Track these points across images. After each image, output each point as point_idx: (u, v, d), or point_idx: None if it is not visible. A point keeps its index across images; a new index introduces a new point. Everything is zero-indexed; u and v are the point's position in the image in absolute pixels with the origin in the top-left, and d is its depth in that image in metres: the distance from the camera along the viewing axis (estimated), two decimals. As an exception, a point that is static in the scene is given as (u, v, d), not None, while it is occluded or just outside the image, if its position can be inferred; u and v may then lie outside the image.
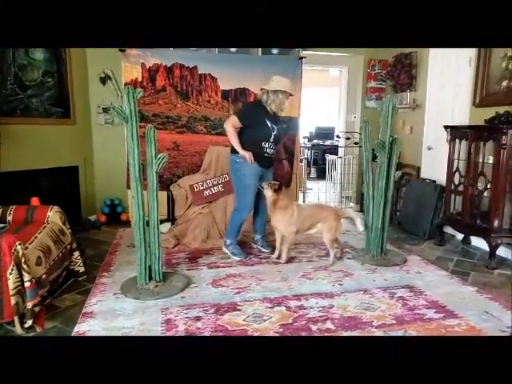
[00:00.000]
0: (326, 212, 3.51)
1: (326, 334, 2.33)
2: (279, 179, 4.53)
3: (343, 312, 2.60)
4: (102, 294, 2.85)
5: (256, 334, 2.32)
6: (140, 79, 4.43)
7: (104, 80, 4.72)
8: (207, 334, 2.32)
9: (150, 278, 2.91)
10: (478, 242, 3.98)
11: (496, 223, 3.43)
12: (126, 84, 4.23)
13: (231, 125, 3.39)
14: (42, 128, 4.19)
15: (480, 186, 3.60)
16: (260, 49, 4.73)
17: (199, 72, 4.55)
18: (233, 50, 4.70)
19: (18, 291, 2.24)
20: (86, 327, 2.39)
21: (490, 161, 3.48)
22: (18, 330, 2.27)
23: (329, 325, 2.44)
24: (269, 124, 3.41)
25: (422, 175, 4.88)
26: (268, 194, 3.43)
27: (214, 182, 4.24)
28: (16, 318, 2.24)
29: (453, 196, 3.99)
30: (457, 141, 3.87)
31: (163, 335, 2.30)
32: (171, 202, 4.43)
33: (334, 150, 7.38)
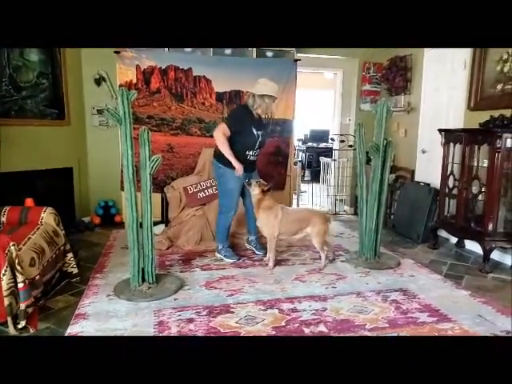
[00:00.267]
0: (314, 216, 3.50)
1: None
2: (273, 182, 4.53)
3: (336, 315, 2.60)
4: (95, 296, 2.84)
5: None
6: (135, 81, 4.43)
7: (99, 81, 4.71)
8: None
9: (143, 280, 2.90)
10: (472, 246, 3.99)
11: (490, 227, 3.44)
12: (120, 86, 4.23)
13: (222, 133, 3.32)
14: (36, 129, 4.18)
15: (474, 189, 3.62)
16: (254, 51, 4.74)
17: (194, 74, 4.56)
18: (227, 52, 4.71)
19: (12, 292, 2.24)
20: (79, 328, 2.38)
21: (485, 164, 3.50)
22: (11, 330, 2.26)
23: (322, 328, 2.44)
24: (254, 132, 3.39)
25: (417, 178, 4.90)
26: (254, 191, 3.39)
27: (208, 184, 4.24)
28: (9, 319, 2.24)
29: (447, 199, 4.00)
30: (451, 144, 3.88)
31: (155, 335, 2.29)
32: (165, 203, 4.42)
33: (328, 152, 7.40)
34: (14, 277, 2.25)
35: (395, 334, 2.37)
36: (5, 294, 2.20)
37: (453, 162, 3.89)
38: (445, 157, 3.96)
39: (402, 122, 5.26)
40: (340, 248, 4.03)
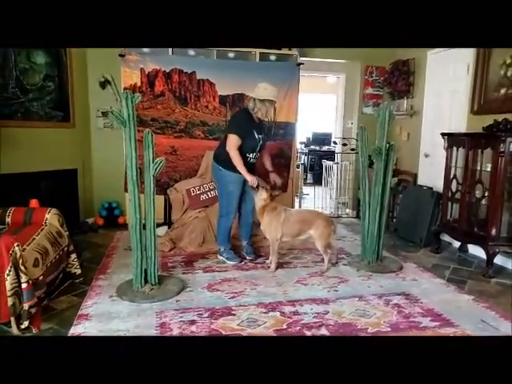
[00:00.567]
0: (318, 218, 3.49)
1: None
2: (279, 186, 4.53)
3: (338, 318, 2.60)
4: (98, 297, 2.86)
5: (250, 339, 2.32)
6: (139, 84, 4.46)
7: (103, 84, 4.75)
8: (201, 338, 2.33)
9: (146, 281, 2.92)
10: (476, 250, 3.98)
11: (493, 231, 3.43)
12: (125, 89, 4.25)
13: (235, 148, 3.32)
14: (41, 131, 4.21)
15: (477, 193, 3.61)
16: (258, 55, 4.77)
17: (198, 77, 4.59)
18: (231, 55, 4.74)
19: (15, 292, 2.25)
20: (82, 329, 2.39)
21: (488, 168, 3.49)
22: (15, 330, 2.27)
23: (323, 331, 2.44)
24: (256, 135, 3.42)
25: (419, 182, 4.90)
26: (262, 196, 3.38)
27: (211, 187, 4.25)
28: (12, 319, 2.25)
29: (450, 203, 4.00)
30: (454, 148, 3.88)
31: (157, 335, 2.30)
32: (168, 205, 4.44)
33: (330, 155, 7.40)
34: (18, 277, 2.26)
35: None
36: (8, 294, 2.21)
37: (456, 166, 3.89)
38: (448, 160, 3.96)
39: (404, 125, 5.26)
40: (342, 251, 4.03)
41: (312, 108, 9.23)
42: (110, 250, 3.94)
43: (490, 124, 3.64)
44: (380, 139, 3.46)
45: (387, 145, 3.45)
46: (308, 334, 2.40)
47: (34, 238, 2.67)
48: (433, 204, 4.30)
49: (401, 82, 5.10)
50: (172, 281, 3.11)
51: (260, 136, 3.46)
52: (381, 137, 3.46)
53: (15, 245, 2.27)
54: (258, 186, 3.42)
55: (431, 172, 4.69)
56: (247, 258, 3.73)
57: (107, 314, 2.59)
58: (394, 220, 5.01)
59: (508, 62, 3.67)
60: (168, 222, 4.45)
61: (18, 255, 2.27)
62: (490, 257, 3.44)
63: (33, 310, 2.32)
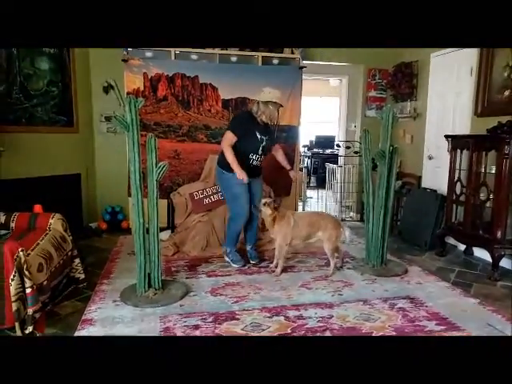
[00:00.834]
0: (325, 220, 3.50)
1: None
2: (279, 188, 4.52)
3: (342, 322, 2.59)
4: (102, 302, 2.85)
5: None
6: (142, 89, 4.47)
7: (107, 89, 4.77)
8: (205, 343, 2.32)
9: (150, 286, 2.91)
10: (481, 253, 3.96)
11: (499, 234, 3.41)
12: (128, 93, 4.28)
13: (228, 144, 3.36)
14: (45, 136, 4.23)
15: (482, 195, 3.59)
16: (260, 58, 4.77)
17: (200, 82, 4.60)
18: (233, 59, 4.74)
19: (20, 297, 2.25)
20: (86, 334, 2.39)
21: (493, 170, 3.47)
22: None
23: (328, 335, 2.42)
24: (258, 136, 3.41)
25: (423, 185, 4.88)
26: (267, 212, 3.37)
27: (214, 191, 4.25)
28: (17, 324, 2.25)
29: (454, 206, 3.98)
30: (458, 150, 3.87)
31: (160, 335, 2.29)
32: (171, 209, 4.44)
33: (334, 158, 7.40)
34: (22, 282, 2.26)
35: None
36: (13, 299, 2.21)
37: (460, 169, 3.87)
38: (452, 163, 3.94)
39: (408, 128, 5.25)
40: (346, 255, 4.01)
41: (315, 111, 9.23)
42: (114, 255, 3.94)
43: (493, 126, 3.62)
44: (383, 142, 3.45)
45: (391, 147, 3.44)
46: (312, 338, 2.39)
47: (39, 243, 2.68)
48: (437, 207, 4.28)
49: (404, 85, 5.10)
50: (176, 285, 3.10)
51: (264, 137, 3.45)
52: (384, 139, 3.45)
53: (20, 250, 2.27)
54: (256, 207, 3.42)
55: (435, 175, 4.67)
56: (251, 262, 3.72)
57: (111, 319, 2.58)
58: (399, 223, 4.99)
59: (511, 63, 3.65)
60: (171, 226, 4.45)
61: (23, 260, 2.27)
62: (496, 260, 3.42)
63: (37, 315, 2.32)
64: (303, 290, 3.12)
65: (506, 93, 3.73)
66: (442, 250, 4.11)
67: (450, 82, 4.47)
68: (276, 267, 3.51)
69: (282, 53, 4.91)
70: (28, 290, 2.26)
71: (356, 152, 5.62)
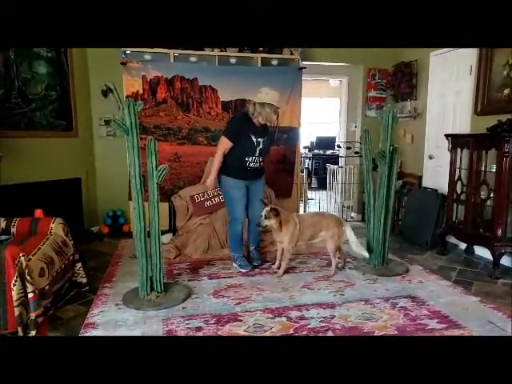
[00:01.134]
0: (328, 219, 3.52)
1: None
2: (279, 190, 4.52)
3: (344, 322, 2.59)
4: (104, 305, 2.86)
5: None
6: (141, 92, 4.47)
7: (106, 93, 4.78)
8: (208, 345, 2.32)
9: (152, 289, 2.92)
10: (482, 252, 3.96)
11: (499, 232, 3.42)
12: (127, 96, 4.27)
13: (222, 151, 3.37)
14: (45, 141, 4.23)
15: (483, 194, 3.59)
16: (259, 60, 4.78)
17: (199, 84, 4.59)
18: (232, 61, 4.74)
19: (22, 302, 2.26)
20: (87, 339, 2.39)
21: (493, 169, 3.48)
22: (21, 341, 2.27)
23: (330, 335, 2.42)
24: (253, 139, 3.38)
25: (424, 184, 4.88)
26: (271, 223, 3.33)
27: (215, 193, 4.24)
28: (20, 329, 2.26)
29: (455, 205, 3.98)
30: (458, 149, 3.87)
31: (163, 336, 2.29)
32: (172, 212, 4.44)
33: (334, 159, 7.40)
34: (24, 287, 2.27)
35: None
36: (15, 303, 2.22)
37: (460, 168, 3.88)
38: (452, 162, 3.94)
39: (408, 127, 5.25)
40: (348, 255, 4.01)
41: (315, 112, 9.24)
42: (116, 259, 3.95)
43: (493, 124, 3.63)
44: (384, 142, 3.46)
45: (391, 147, 3.45)
46: (315, 339, 2.39)
47: (40, 248, 2.68)
48: (438, 206, 4.28)
49: (404, 84, 5.10)
50: (178, 288, 3.11)
51: (260, 140, 3.41)
52: (384, 140, 3.45)
53: (21, 255, 2.28)
54: (259, 223, 3.36)
55: (436, 174, 4.67)
56: (253, 263, 3.71)
57: (114, 323, 2.59)
58: (400, 223, 4.99)
59: (511, 62, 3.66)
60: (173, 229, 4.46)
61: (24, 265, 2.28)
62: (497, 258, 3.42)
63: (40, 320, 2.32)
64: (305, 291, 3.13)
65: (506, 91, 3.73)
66: (443, 249, 4.11)
67: (450, 80, 4.48)
68: (278, 268, 3.52)
69: (281, 54, 4.91)
70: (30, 295, 2.27)
71: (357, 152, 5.62)
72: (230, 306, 2.84)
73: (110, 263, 3.80)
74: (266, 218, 3.32)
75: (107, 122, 4.83)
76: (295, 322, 2.59)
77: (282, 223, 3.37)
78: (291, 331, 2.47)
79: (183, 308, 2.81)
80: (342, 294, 3.06)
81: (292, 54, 4.94)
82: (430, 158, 4.80)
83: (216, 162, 3.40)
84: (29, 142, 4.05)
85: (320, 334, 2.44)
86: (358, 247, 3.51)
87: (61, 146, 4.42)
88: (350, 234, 3.52)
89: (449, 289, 3.19)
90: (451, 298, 2.99)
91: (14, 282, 2.22)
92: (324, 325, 2.55)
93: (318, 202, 6.50)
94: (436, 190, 4.47)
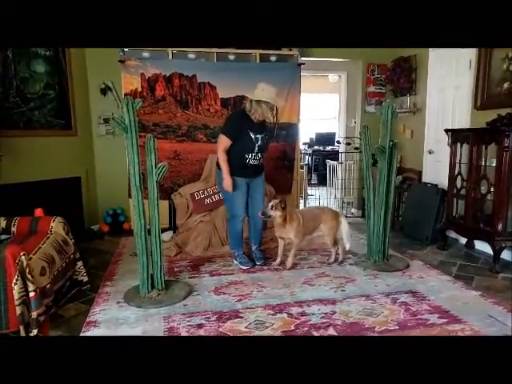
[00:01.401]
0: (325, 213, 3.63)
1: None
2: (279, 186, 4.52)
3: (345, 318, 2.60)
4: (106, 303, 2.86)
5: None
6: (140, 89, 4.47)
7: (104, 91, 4.77)
8: (209, 342, 2.32)
9: (153, 287, 2.92)
10: (482, 246, 3.96)
11: (500, 226, 3.42)
12: (125, 94, 4.25)
13: (223, 149, 3.35)
14: (44, 140, 4.23)
15: (483, 189, 3.59)
16: (258, 56, 4.76)
17: (198, 81, 4.59)
18: (231, 57, 4.73)
19: (23, 301, 2.26)
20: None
21: (493, 164, 3.47)
22: (23, 339, 2.28)
23: (331, 331, 2.43)
24: (252, 136, 3.37)
25: (424, 179, 4.88)
26: (277, 215, 3.36)
27: (215, 190, 4.24)
28: (21, 328, 2.26)
29: (455, 200, 3.98)
30: (458, 144, 3.86)
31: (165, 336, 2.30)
32: (172, 210, 4.44)
33: (334, 155, 7.39)
34: (25, 286, 2.27)
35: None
36: (16, 303, 2.22)
37: (460, 162, 3.87)
38: (452, 157, 3.94)
39: (407, 123, 5.24)
40: (348, 251, 4.01)
41: (315, 108, 9.23)
42: (116, 257, 3.95)
43: (493, 119, 3.62)
44: (383, 137, 3.45)
45: (391, 143, 3.44)
46: (316, 334, 2.39)
47: (40, 247, 2.68)
48: (438, 201, 4.28)
49: (403, 79, 5.09)
50: (179, 285, 3.11)
51: (259, 136, 3.41)
52: (384, 135, 3.44)
53: (21, 254, 2.28)
54: (264, 213, 3.39)
55: (436, 169, 4.67)
56: (256, 263, 3.69)
57: (115, 320, 2.59)
58: (400, 218, 4.98)
59: (510, 55, 3.64)
60: (173, 226, 4.46)
61: (25, 264, 2.28)
62: (497, 252, 3.43)
63: (41, 319, 2.32)
64: (306, 287, 3.13)
65: (506, 85, 3.72)
66: (444, 244, 4.11)
67: (449, 75, 4.47)
68: (279, 265, 3.54)
69: (279, 50, 4.88)
70: (31, 294, 2.27)
71: (356, 148, 5.62)
72: (231, 303, 2.84)
73: (110, 261, 3.80)
74: (272, 208, 3.35)
75: (106, 121, 4.82)
76: (296, 319, 2.59)
77: (287, 219, 3.40)
78: (292, 327, 2.47)
79: (184, 305, 2.81)
80: (343, 290, 3.06)
81: (291, 50, 4.92)
82: (430, 152, 4.80)
83: (223, 163, 3.35)
84: (28, 141, 4.05)
85: (321, 330, 2.44)
86: (346, 238, 3.63)
87: (60, 144, 4.42)
88: (344, 224, 3.64)
89: (449, 283, 3.20)
90: (452, 293, 2.99)
91: (14, 281, 2.22)
92: (325, 321, 2.56)
93: (317, 198, 6.50)
94: (436, 185, 4.47)
